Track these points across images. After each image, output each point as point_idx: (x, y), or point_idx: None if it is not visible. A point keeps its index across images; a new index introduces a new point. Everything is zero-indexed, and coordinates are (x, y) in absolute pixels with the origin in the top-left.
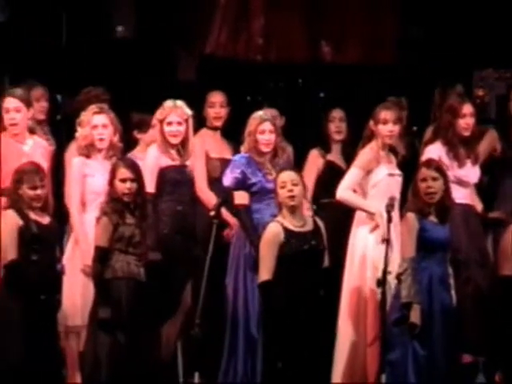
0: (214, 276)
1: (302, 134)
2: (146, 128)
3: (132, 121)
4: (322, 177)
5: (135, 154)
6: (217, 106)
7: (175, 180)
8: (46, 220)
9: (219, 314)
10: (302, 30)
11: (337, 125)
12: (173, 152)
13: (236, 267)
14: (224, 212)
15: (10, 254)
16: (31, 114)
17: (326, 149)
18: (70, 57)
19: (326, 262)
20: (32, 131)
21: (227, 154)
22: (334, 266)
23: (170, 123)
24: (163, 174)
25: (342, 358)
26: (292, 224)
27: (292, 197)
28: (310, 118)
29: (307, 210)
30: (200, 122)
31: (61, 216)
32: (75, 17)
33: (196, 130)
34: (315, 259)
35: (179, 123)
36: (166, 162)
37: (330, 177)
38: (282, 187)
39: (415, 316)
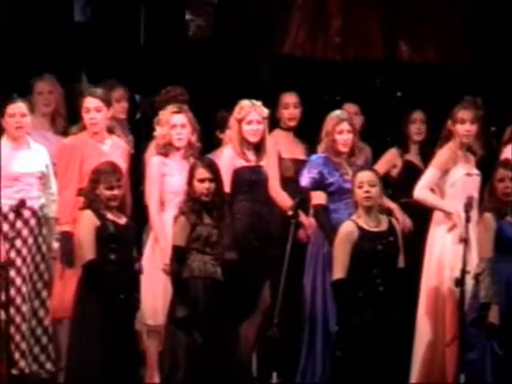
0: (292, 276)
1: (379, 134)
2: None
3: (215, 120)
4: (400, 176)
5: (218, 154)
6: (291, 106)
7: (250, 180)
8: (122, 220)
9: (297, 314)
10: (379, 28)
11: (417, 126)
12: (248, 152)
13: (314, 267)
14: (300, 213)
15: (89, 253)
16: (111, 113)
17: (404, 149)
18: (148, 57)
19: (402, 263)
20: (111, 131)
21: (300, 155)
22: (413, 265)
23: (250, 122)
24: (238, 175)
25: (420, 357)
26: (367, 224)
27: (369, 197)
28: (388, 118)
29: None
30: (272, 122)
31: (140, 215)
32: (153, 17)
33: (269, 130)
34: (389, 259)
35: (259, 122)
36: (241, 162)
37: (409, 177)
38: (360, 187)
39: (493, 316)
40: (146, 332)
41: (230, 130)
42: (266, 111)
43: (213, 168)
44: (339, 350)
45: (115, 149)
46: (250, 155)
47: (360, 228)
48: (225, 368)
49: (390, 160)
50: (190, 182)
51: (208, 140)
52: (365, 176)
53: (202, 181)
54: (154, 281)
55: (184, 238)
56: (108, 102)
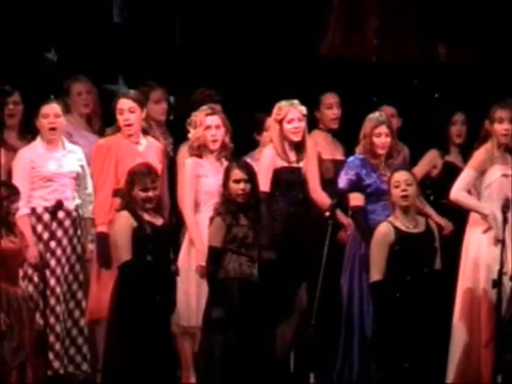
0: (330, 276)
1: (417, 135)
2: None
3: (252, 122)
4: (440, 178)
5: (254, 156)
6: (334, 107)
7: (289, 181)
8: (159, 221)
9: (334, 315)
10: (416, 29)
11: (458, 128)
12: (290, 153)
13: (351, 268)
14: (338, 213)
15: (125, 254)
16: (145, 114)
17: (445, 150)
18: (183, 58)
19: (438, 265)
20: (146, 132)
21: (339, 156)
22: (450, 267)
23: (290, 120)
24: (277, 175)
25: (456, 358)
26: (404, 225)
27: (406, 197)
28: (426, 119)
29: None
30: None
31: (176, 216)
32: (189, 18)
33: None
34: (426, 260)
35: (300, 119)
36: (281, 163)
37: (449, 178)
38: (396, 187)
39: None
40: (180, 333)
41: (267, 132)
42: (304, 109)
43: (248, 169)
44: (376, 351)
45: (150, 149)
46: (291, 155)
47: (397, 229)
48: (261, 369)
49: (431, 161)
50: (225, 184)
51: (244, 142)
52: (401, 176)
53: (237, 182)
54: (189, 282)
55: (220, 239)
56: (142, 103)
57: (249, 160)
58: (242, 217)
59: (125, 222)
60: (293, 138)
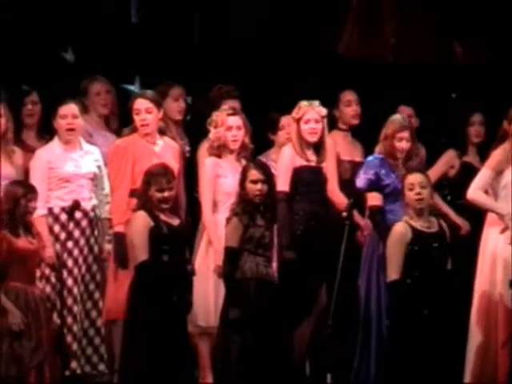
0: (347, 277)
1: (434, 135)
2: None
3: (267, 122)
4: (458, 178)
5: (269, 155)
6: (353, 104)
7: (309, 180)
8: (175, 221)
9: (352, 315)
10: (433, 30)
11: (476, 128)
12: (308, 152)
13: (369, 268)
14: (355, 214)
15: (142, 254)
16: (161, 114)
17: (462, 150)
18: (201, 58)
19: (449, 265)
20: (162, 132)
21: (358, 156)
22: (468, 266)
23: (307, 121)
24: (297, 174)
25: (473, 358)
26: (419, 224)
27: (420, 199)
28: (443, 119)
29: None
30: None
31: (192, 216)
32: (207, 18)
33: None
34: (441, 260)
35: (317, 121)
36: (301, 162)
37: (466, 178)
38: (410, 189)
39: None
40: (198, 333)
41: (282, 132)
42: (324, 111)
43: (265, 170)
44: (393, 351)
45: (167, 150)
46: (310, 155)
47: (413, 229)
48: (278, 369)
49: (449, 161)
50: (242, 184)
51: (259, 141)
52: (415, 178)
53: (254, 182)
54: (206, 282)
55: (236, 240)
56: (158, 104)
57: (264, 160)
58: (259, 217)
59: (141, 222)
60: (308, 138)
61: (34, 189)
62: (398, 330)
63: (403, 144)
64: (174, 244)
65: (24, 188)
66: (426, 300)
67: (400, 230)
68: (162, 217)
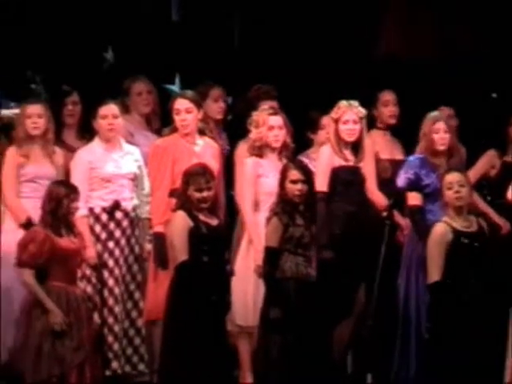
0: (388, 277)
1: (475, 136)
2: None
3: (307, 121)
4: (498, 177)
5: (309, 155)
6: (390, 104)
7: (347, 180)
8: (214, 221)
9: (391, 315)
10: (472, 29)
11: None
12: (346, 152)
13: (408, 268)
14: (396, 214)
15: (181, 255)
16: (201, 115)
17: (503, 150)
18: (241, 57)
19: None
20: (202, 132)
21: (398, 155)
22: (509, 265)
23: (346, 122)
24: (336, 174)
25: None
26: (459, 224)
27: (459, 198)
28: (483, 119)
29: None
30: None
31: (231, 216)
32: (247, 18)
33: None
34: (482, 259)
35: (355, 121)
36: (339, 162)
37: (507, 178)
38: (449, 188)
39: None
40: (237, 333)
41: (322, 131)
42: (363, 111)
43: (305, 169)
44: (433, 351)
45: (207, 150)
46: (348, 155)
47: (453, 229)
48: (319, 369)
49: (489, 161)
50: (282, 184)
51: (299, 141)
52: (454, 177)
53: (294, 182)
54: (246, 282)
55: (276, 239)
56: (198, 104)
57: (304, 159)
58: (299, 217)
59: (181, 222)
60: (346, 138)
61: (76, 189)
62: (439, 332)
63: (441, 135)
64: (213, 244)
65: (66, 188)
66: (466, 301)
67: (440, 230)
68: (201, 217)
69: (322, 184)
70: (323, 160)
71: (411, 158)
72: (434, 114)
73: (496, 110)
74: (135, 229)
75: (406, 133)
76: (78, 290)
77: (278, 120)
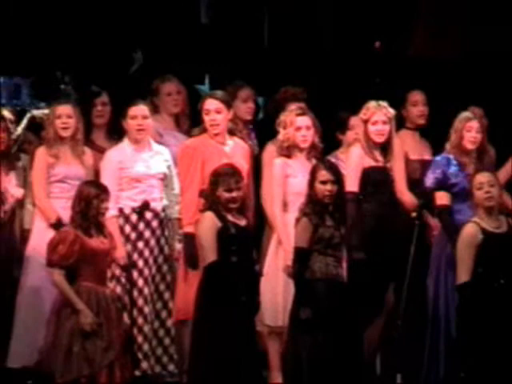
0: (417, 277)
1: (504, 136)
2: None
3: (335, 121)
4: None
5: (337, 155)
6: (420, 104)
7: (377, 181)
8: (242, 222)
9: (420, 315)
10: (502, 30)
11: None
12: (376, 153)
13: (437, 268)
14: (425, 214)
15: (210, 255)
16: (231, 115)
17: None
18: (271, 58)
19: None
20: (232, 132)
21: (427, 155)
22: None
23: (375, 122)
24: (366, 175)
25: None
26: (489, 225)
27: (490, 198)
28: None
29: None
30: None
31: (259, 217)
32: (277, 18)
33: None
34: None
35: (384, 122)
36: (369, 162)
37: None
38: (479, 188)
39: None
40: (267, 333)
41: (350, 131)
42: (392, 112)
43: (335, 170)
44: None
45: (237, 150)
46: (378, 155)
47: (483, 230)
48: (348, 369)
49: None
50: (311, 184)
51: (327, 141)
52: (484, 177)
53: (324, 183)
54: (276, 282)
55: (306, 240)
56: (228, 104)
57: (333, 160)
58: (328, 217)
59: (209, 222)
60: (376, 139)
61: (106, 189)
62: (468, 332)
63: (472, 133)
64: (242, 244)
65: (97, 188)
66: (496, 301)
67: (470, 231)
68: (230, 217)
69: (352, 184)
70: (354, 160)
71: (438, 157)
72: (468, 112)
73: None
74: (165, 229)
75: (437, 134)
76: (108, 290)
77: (305, 120)
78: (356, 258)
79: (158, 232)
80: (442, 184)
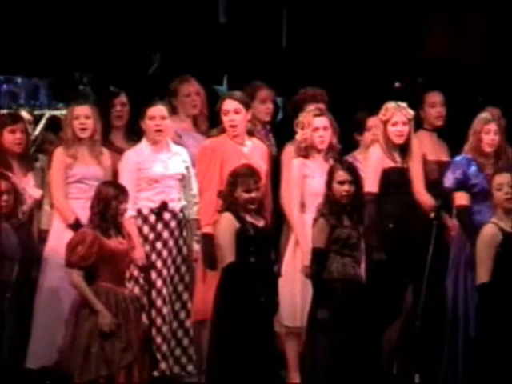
0: (436, 277)
1: None
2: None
3: (353, 122)
4: None
5: (355, 156)
6: (438, 105)
7: (396, 182)
8: (261, 222)
9: (439, 316)
10: None
11: None
12: (395, 153)
13: (456, 268)
14: (443, 214)
15: (229, 256)
16: (250, 115)
17: None
18: (290, 58)
19: None
20: (251, 133)
21: (444, 156)
22: None
23: (395, 123)
24: (385, 175)
25: None
26: (507, 225)
27: (509, 199)
28: None
29: None
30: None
31: (278, 217)
32: (295, 19)
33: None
34: None
35: (404, 123)
36: (388, 163)
37: None
38: (499, 190)
39: None
40: (285, 333)
41: (368, 132)
42: (411, 113)
43: (352, 170)
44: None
45: (255, 151)
46: (397, 156)
47: (503, 231)
48: (366, 370)
49: None
50: (329, 185)
51: (345, 142)
52: (503, 178)
53: (341, 183)
54: (294, 282)
55: (323, 240)
56: (247, 105)
57: (351, 160)
58: (346, 218)
59: (227, 223)
60: (395, 140)
61: (125, 190)
62: (488, 332)
63: (491, 136)
64: (260, 245)
65: (115, 189)
66: None
67: (490, 231)
68: (248, 218)
69: (372, 185)
70: (373, 161)
71: (458, 158)
72: (486, 114)
73: None
74: (183, 230)
75: (453, 134)
76: (127, 290)
77: (323, 121)
78: (377, 258)
79: (177, 233)
80: (462, 184)
